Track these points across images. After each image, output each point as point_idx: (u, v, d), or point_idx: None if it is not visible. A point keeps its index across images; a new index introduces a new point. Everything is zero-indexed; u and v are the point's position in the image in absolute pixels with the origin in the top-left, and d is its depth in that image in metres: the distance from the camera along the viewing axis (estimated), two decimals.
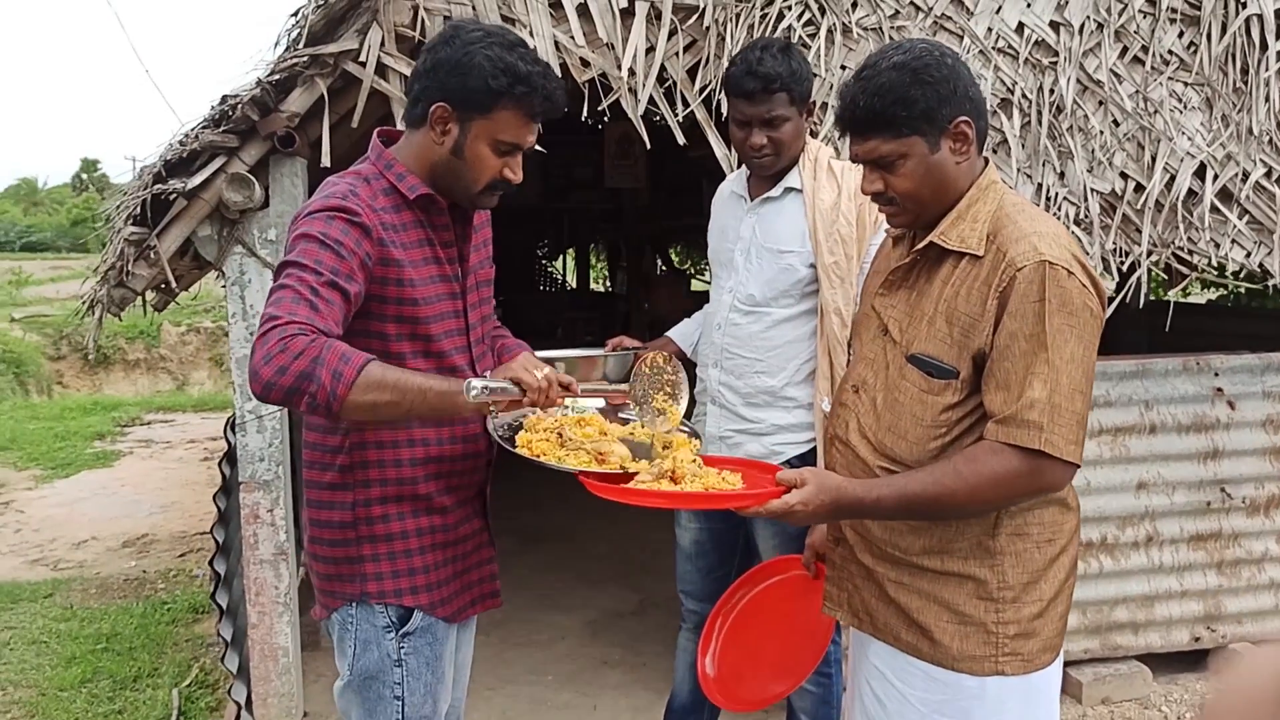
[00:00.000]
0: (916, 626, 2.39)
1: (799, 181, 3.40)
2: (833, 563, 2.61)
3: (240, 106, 3.94)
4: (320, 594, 2.64)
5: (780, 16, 4.50)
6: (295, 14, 4.24)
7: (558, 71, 4.08)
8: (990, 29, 4.76)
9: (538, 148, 4.12)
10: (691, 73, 4.40)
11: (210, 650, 5.56)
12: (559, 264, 16.70)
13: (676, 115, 4.33)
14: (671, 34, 4.37)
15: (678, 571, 3.74)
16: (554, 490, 8.01)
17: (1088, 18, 4.86)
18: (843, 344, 3.32)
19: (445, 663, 2.65)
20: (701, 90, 4.32)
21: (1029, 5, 4.82)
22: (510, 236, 13.12)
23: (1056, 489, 2.28)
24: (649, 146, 4.46)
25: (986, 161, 2.42)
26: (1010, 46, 4.76)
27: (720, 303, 3.51)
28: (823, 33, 4.54)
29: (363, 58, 4.04)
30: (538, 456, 2.48)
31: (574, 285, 16.26)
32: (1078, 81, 4.80)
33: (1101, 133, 4.78)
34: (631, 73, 4.30)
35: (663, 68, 4.35)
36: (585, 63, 4.25)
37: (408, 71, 3.88)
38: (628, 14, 4.35)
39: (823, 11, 4.58)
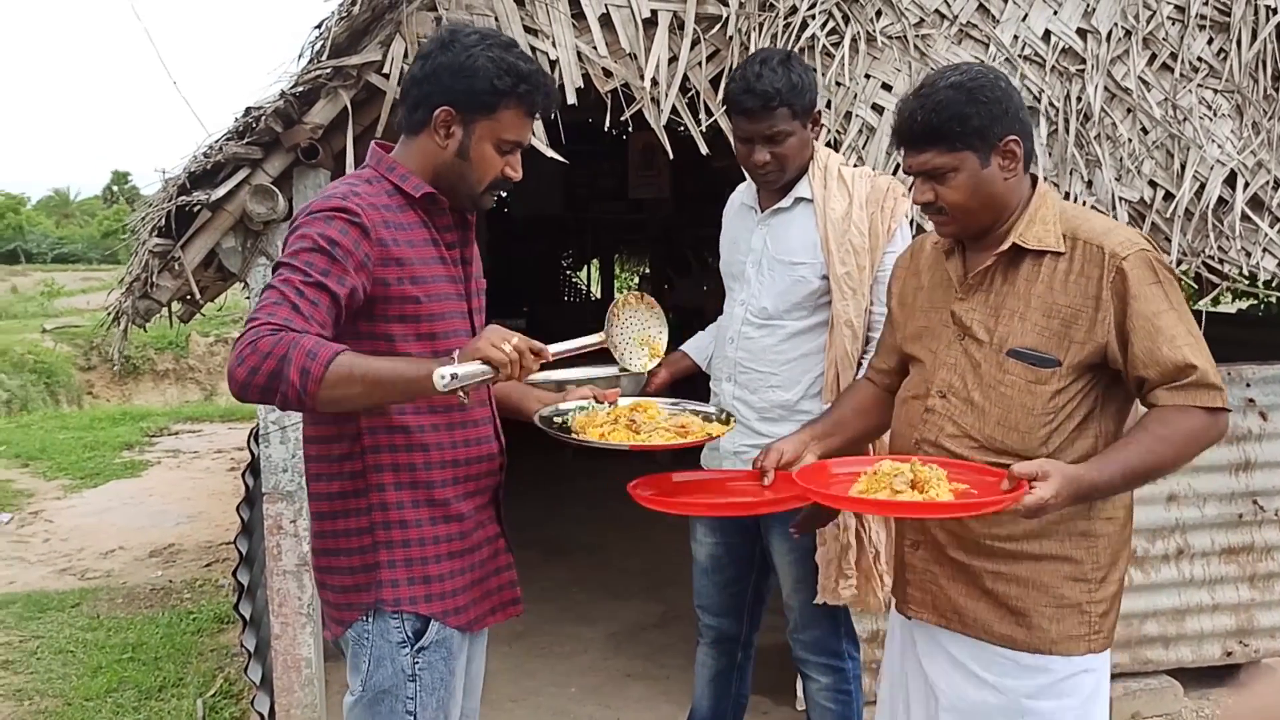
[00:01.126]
0: (1013, 615, 2.52)
1: (809, 191, 3.35)
2: (913, 566, 2.70)
3: (264, 118, 3.95)
4: (334, 610, 2.61)
5: (804, 25, 4.46)
6: (319, 26, 4.24)
7: (580, 82, 4.12)
8: (1017, 36, 4.71)
9: (559, 158, 4.17)
10: (714, 82, 4.38)
11: (235, 661, 5.56)
12: (583, 274, 16.68)
13: (700, 125, 4.30)
14: (694, 44, 4.36)
15: (694, 586, 3.71)
16: (578, 502, 8.25)
17: (1115, 25, 4.80)
18: (853, 357, 3.31)
19: (457, 677, 2.63)
20: (724, 100, 4.28)
21: (1056, 12, 4.77)
22: (534, 247, 13.11)
23: (1223, 436, 2.48)
24: (671, 157, 4.43)
25: (1034, 177, 2.61)
26: (1037, 54, 4.71)
27: (733, 316, 3.47)
28: (846, 41, 4.50)
29: (386, 69, 4.05)
30: (630, 444, 2.64)
31: (599, 295, 16.19)
32: (1105, 89, 4.74)
33: (1130, 140, 4.73)
34: (654, 83, 4.30)
35: (685, 77, 4.34)
36: (608, 73, 4.25)
37: None
38: (650, 24, 4.33)
39: (847, 20, 4.53)
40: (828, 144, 4.17)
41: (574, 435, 2.67)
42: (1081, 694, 2.54)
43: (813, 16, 4.48)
